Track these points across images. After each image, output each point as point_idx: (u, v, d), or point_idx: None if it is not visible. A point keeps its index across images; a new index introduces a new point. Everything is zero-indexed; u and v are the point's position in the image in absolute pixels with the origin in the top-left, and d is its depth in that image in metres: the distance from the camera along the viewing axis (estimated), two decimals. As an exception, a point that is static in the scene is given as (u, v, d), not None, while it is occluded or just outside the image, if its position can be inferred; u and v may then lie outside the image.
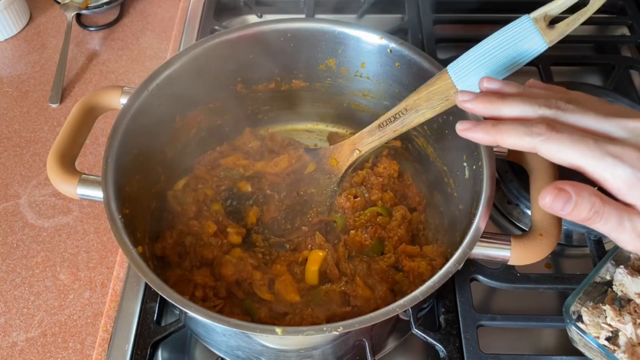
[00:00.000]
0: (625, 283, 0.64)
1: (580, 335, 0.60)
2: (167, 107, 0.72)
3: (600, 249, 0.73)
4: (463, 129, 0.51)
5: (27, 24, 1.11)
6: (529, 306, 0.73)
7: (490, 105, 0.50)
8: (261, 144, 0.82)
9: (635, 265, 0.66)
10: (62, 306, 0.75)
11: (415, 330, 0.66)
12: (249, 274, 0.69)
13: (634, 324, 0.61)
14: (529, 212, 0.78)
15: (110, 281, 0.74)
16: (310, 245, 0.72)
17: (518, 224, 0.81)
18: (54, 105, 0.97)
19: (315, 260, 0.70)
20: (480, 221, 0.57)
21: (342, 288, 0.67)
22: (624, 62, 0.98)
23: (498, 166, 0.64)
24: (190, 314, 0.52)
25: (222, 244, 0.72)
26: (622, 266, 0.65)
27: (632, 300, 0.63)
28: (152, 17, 1.13)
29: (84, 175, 0.63)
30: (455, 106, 0.62)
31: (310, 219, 0.75)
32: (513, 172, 0.81)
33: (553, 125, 0.46)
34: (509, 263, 0.58)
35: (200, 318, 0.52)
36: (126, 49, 1.07)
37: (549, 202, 0.44)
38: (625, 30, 1.05)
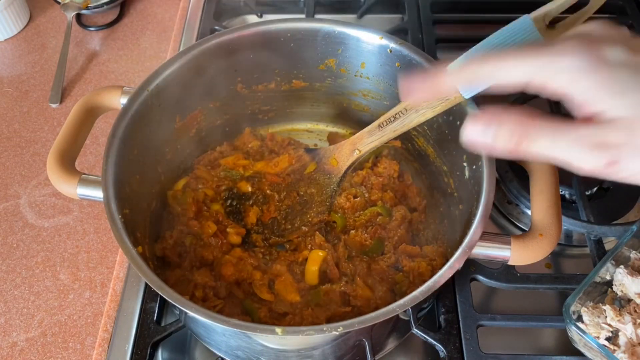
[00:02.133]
0: (625, 283, 0.64)
1: (580, 335, 0.60)
2: (167, 107, 0.72)
3: (600, 249, 0.73)
4: (405, 93, 0.47)
5: (27, 24, 1.11)
6: (529, 306, 0.73)
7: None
8: (261, 144, 0.82)
9: (635, 265, 0.66)
10: (62, 306, 0.75)
11: (415, 330, 0.66)
12: (249, 274, 0.69)
13: (634, 324, 0.61)
14: (529, 212, 0.78)
15: (110, 281, 0.74)
16: (310, 245, 0.72)
17: (518, 224, 0.81)
18: (54, 105, 0.97)
19: (315, 260, 0.70)
20: (480, 221, 0.57)
21: (342, 288, 0.67)
22: (624, 62, 0.97)
23: (498, 166, 0.64)
24: (190, 314, 0.52)
25: (222, 244, 0.72)
26: (622, 266, 0.65)
27: (632, 300, 0.63)
28: (152, 17, 1.13)
29: (84, 175, 0.63)
30: (455, 106, 0.62)
31: (310, 219, 0.75)
32: (513, 172, 0.81)
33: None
34: (509, 263, 0.58)
35: (200, 318, 0.52)
36: (126, 49, 1.07)
37: (467, 133, 0.39)
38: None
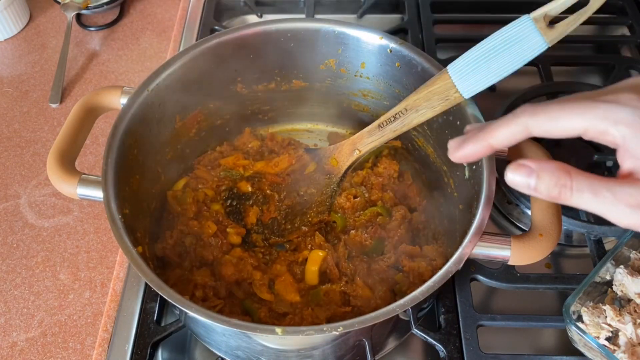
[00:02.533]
0: (625, 283, 0.64)
1: (580, 335, 0.60)
2: (167, 107, 0.72)
3: (600, 249, 0.73)
4: (453, 151, 0.48)
5: (27, 24, 1.11)
6: (529, 306, 0.73)
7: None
8: (261, 144, 0.82)
9: (635, 265, 0.66)
10: (62, 306, 0.75)
11: (415, 330, 0.66)
12: (249, 274, 0.69)
13: (634, 324, 0.61)
14: (529, 212, 0.78)
15: (110, 281, 0.74)
16: (310, 245, 0.72)
17: (518, 224, 0.81)
18: (54, 105, 0.97)
19: (315, 260, 0.70)
20: (480, 221, 0.57)
21: (342, 288, 0.67)
22: (624, 62, 0.98)
23: (498, 166, 0.63)
24: (190, 314, 0.52)
25: (222, 244, 0.72)
26: (622, 266, 0.65)
27: (632, 300, 0.63)
28: (152, 17, 1.13)
29: (84, 175, 0.63)
30: (455, 106, 0.62)
31: (310, 219, 0.75)
32: (513, 172, 0.81)
33: (536, 105, 0.43)
34: (509, 263, 0.58)
35: (200, 318, 0.52)
36: (126, 49, 1.07)
37: (511, 176, 0.41)
38: (625, 30, 1.05)
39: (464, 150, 0.48)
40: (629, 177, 0.40)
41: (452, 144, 0.49)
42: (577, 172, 0.40)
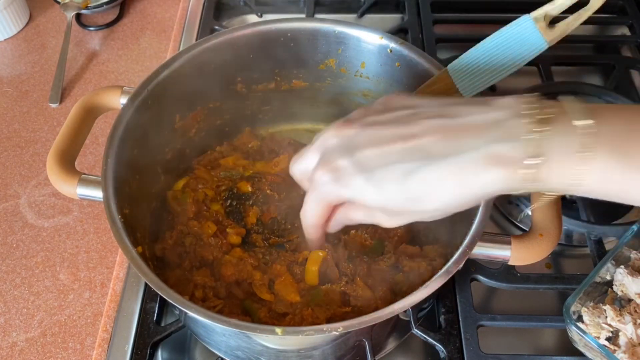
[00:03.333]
0: (626, 283, 0.64)
1: (581, 336, 0.60)
2: (167, 107, 0.71)
3: (601, 249, 0.73)
4: None
5: (27, 24, 1.11)
6: (529, 306, 0.73)
7: None
8: (261, 144, 0.82)
9: (635, 265, 0.66)
10: (62, 306, 0.75)
11: (416, 331, 0.66)
12: (248, 274, 0.69)
13: (635, 324, 0.61)
14: (529, 212, 0.78)
15: (110, 281, 0.74)
16: (310, 246, 0.71)
17: (518, 224, 0.81)
18: (53, 105, 0.97)
19: (315, 260, 0.69)
20: (480, 221, 0.57)
21: (342, 288, 0.67)
22: (624, 62, 0.98)
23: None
24: (190, 314, 0.52)
25: (222, 244, 0.71)
26: (622, 266, 0.65)
27: (632, 300, 0.63)
28: (152, 17, 1.13)
29: (83, 175, 0.63)
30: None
31: (310, 219, 0.75)
32: (513, 172, 0.81)
33: None
34: (509, 263, 0.58)
35: (200, 318, 0.52)
36: (126, 49, 1.07)
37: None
38: (625, 30, 1.05)
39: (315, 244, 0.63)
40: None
41: None
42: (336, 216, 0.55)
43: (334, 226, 0.56)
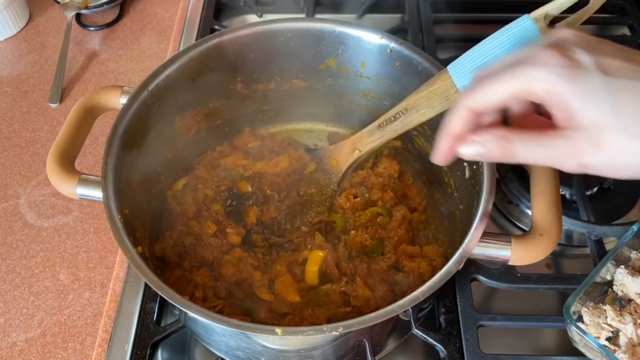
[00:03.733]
0: (626, 283, 0.64)
1: (581, 336, 0.60)
2: (167, 107, 0.71)
3: (601, 249, 0.73)
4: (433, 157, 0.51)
5: (27, 24, 1.11)
6: (529, 306, 0.73)
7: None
8: (261, 144, 0.82)
9: (635, 265, 0.66)
10: (62, 306, 0.75)
11: (416, 331, 0.66)
12: (248, 274, 0.69)
13: (635, 324, 0.61)
14: (529, 212, 0.78)
15: (110, 281, 0.74)
16: (310, 246, 0.72)
17: (518, 224, 0.81)
18: (53, 105, 0.97)
19: (315, 260, 0.70)
20: (480, 221, 0.57)
21: (342, 288, 0.67)
22: (624, 62, 0.97)
23: (498, 166, 0.64)
24: (190, 314, 0.52)
25: (221, 244, 0.71)
26: (622, 266, 0.65)
27: (632, 300, 0.63)
28: (152, 17, 1.13)
29: (83, 175, 0.63)
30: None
31: (310, 219, 0.75)
32: (513, 172, 0.81)
33: (471, 87, 0.47)
34: (509, 263, 0.58)
35: (200, 318, 0.52)
36: (126, 49, 1.07)
37: (464, 151, 0.46)
38: (625, 30, 1.05)
39: (439, 153, 0.50)
40: (559, 128, 0.43)
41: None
42: (513, 133, 0.44)
43: (476, 147, 0.46)
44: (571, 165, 0.43)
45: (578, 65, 0.41)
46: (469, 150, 0.46)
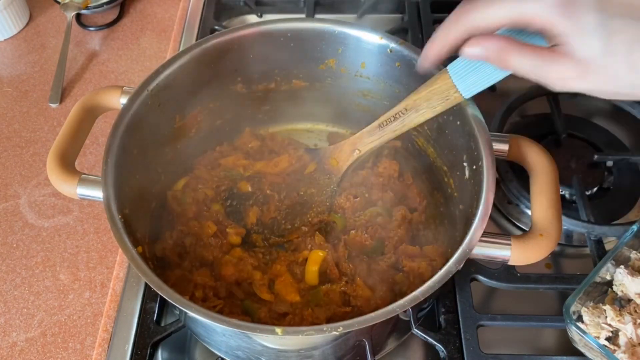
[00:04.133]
0: (626, 283, 0.64)
1: (581, 335, 0.60)
2: (167, 107, 0.72)
3: (601, 249, 0.73)
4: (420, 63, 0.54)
5: (27, 24, 1.11)
6: (529, 306, 0.73)
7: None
8: (261, 144, 0.82)
9: (635, 265, 0.66)
10: (62, 306, 0.75)
11: (416, 331, 0.66)
12: (248, 274, 0.69)
13: (634, 324, 0.61)
14: (529, 212, 0.78)
15: (110, 281, 0.74)
16: (310, 246, 0.72)
17: (518, 224, 0.81)
18: (53, 105, 0.97)
19: (315, 260, 0.70)
20: (480, 221, 0.57)
21: (342, 288, 0.67)
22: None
23: (498, 166, 0.64)
24: (190, 314, 0.52)
25: (222, 244, 0.71)
26: (622, 266, 0.65)
27: (632, 300, 0.64)
28: (152, 17, 1.13)
29: (83, 175, 0.63)
30: (456, 106, 0.62)
31: (310, 219, 0.75)
32: (513, 172, 0.81)
33: (467, 5, 0.48)
34: (509, 263, 0.58)
35: (200, 318, 0.52)
36: (126, 49, 1.07)
37: (468, 50, 0.48)
38: None
39: (427, 57, 0.53)
40: (556, 51, 0.45)
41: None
42: (513, 45, 0.47)
43: (478, 49, 0.49)
44: (557, 86, 0.46)
45: (575, 1, 0.42)
46: (472, 51, 0.48)
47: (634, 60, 0.42)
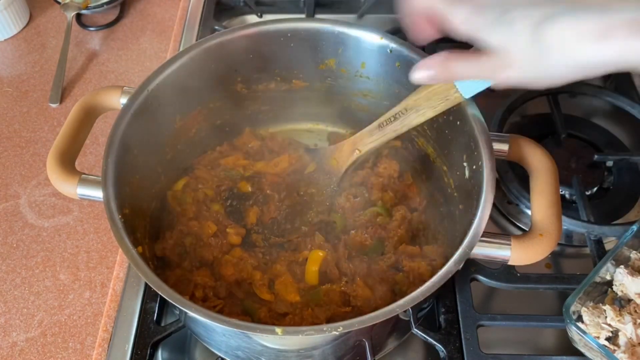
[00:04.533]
0: (626, 283, 0.64)
1: (581, 335, 0.60)
2: (167, 107, 0.72)
3: (601, 249, 0.73)
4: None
5: (27, 24, 1.11)
6: (529, 306, 0.73)
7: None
8: (261, 144, 0.82)
9: (635, 265, 0.66)
10: (62, 306, 0.75)
11: (415, 330, 0.66)
12: (249, 274, 0.69)
13: (634, 324, 0.61)
14: (529, 212, 0.78)
15: (110, 281, 0.74)
16: (310, 246, 0.72)
17: (518, 224, 0.81)
18: (54, 105, 0.97)
19: (315, 260, 0.70)
20: (480, 221, 0.57)
21: (342, 288, 0.67)
22: (624, 62, 0.97)
23: (498, 166, 0.64)
24: (190, 314, 0.52)
25: (222, 244, 0.71)
26: (622, 266, 0.65)
27: (632, 300, 0.64)
28: (152, 17, 1.13)
29: (83, 175, 0.63)
30: (456, 106, 0.62)
31: (310, 219, 0.75)
32: (513, 172, 0.81)
33: None
34: (509, 263, 0.58)
35: (200, 318, 0.52)
36: (126, 49, 1.07)
37: (416, 76, 0.54)
38: None
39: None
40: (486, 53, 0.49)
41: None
42: (453, 54, 0.52)
43: (426, 72, 0.54)
44: (497, 79, 0.50)
45: (484, 4, 0.47)
46: (418, 75, 0.54)
47: (541, 45, 0.44)
